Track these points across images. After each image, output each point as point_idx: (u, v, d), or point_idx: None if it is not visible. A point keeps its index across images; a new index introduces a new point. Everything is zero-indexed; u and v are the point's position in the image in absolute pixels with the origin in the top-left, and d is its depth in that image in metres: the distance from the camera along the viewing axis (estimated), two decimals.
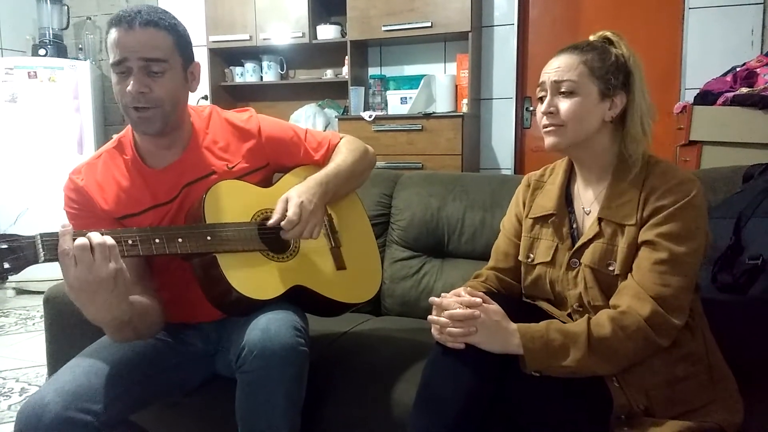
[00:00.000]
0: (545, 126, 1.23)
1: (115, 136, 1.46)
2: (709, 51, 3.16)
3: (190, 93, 1.40)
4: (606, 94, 1.19)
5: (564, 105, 1.20)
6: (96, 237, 1.09)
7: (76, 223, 1.37)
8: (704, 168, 2.22)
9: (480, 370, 1.11)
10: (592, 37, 1.26)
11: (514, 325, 1.13)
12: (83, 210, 1.38)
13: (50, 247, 1.07)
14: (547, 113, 1.22)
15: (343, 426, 1.43)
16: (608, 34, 1.24)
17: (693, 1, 3.19)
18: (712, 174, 1.67)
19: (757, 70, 2.55)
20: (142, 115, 1.30)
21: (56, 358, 1.73)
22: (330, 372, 1.48)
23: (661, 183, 1.16)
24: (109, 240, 1.10)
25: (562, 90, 1.20)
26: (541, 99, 1.25)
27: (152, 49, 1.27)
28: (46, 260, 1.07)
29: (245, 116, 1.51)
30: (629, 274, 1.16)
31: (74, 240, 1.07)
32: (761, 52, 2.90)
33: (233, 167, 1.43)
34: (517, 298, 1.36)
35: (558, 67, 1.21)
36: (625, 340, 1.10)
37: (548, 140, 1.24)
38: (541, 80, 1.25)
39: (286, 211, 1.33)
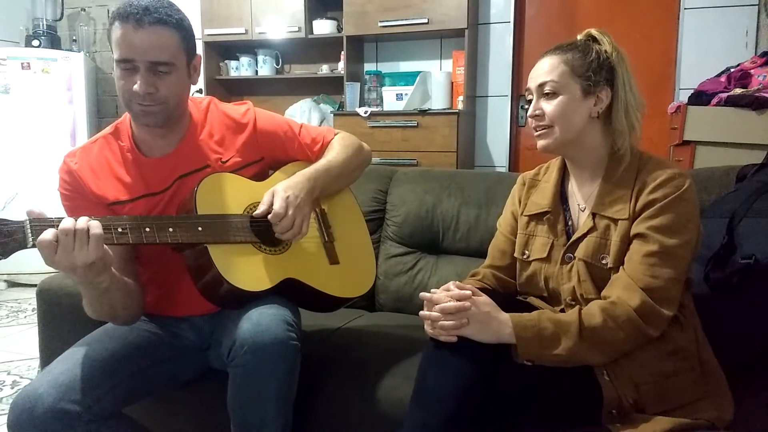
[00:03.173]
0: (534, 128, 1.27)
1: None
2: (703, 51, 3.17)
3: (191, 85, 1.40)
4: (589, 91, 1.22)
5: (549, 107, 1.23)
6: (80, 223, 1.10)
7: (68, 204, 1.38)
8: (698, 168, 2.24)
9: (474, 363, 1.12)
10: (579, 36, 1.28)
11: (505, 315, 1.14)
12: (75, 192, 1.38)
13: (39, 231, 1.08)
14: (533, 116, 1.26)
15: (336, 420, 1.43)
16: (592, 31, 1.27)
17: (688, 1, 3.20)
18: (706, 174, 1.68)
19: (751, 71, 2.56)
20: (145, 110, 1.30)
21: (49, 351, 1.73)
22: (324, 367, 1.48)
23: (653, 178, 1.18)
24: (94, 229, 1.10)
25: (546, 91, 1.24)
26: (530, 102, 1.28)
27: (160, 52, 1.26)
28: (34, 245, 1.08)
29: (243, 109, 1.51)
30: (621, 267, 1.17)
31: (56, 226, 1.08)
32: (755, 53, 2.91)
33: (227, 161, 1.43)
34: (509, 294, 1.37)
35: (541, 70, 1.25)
36: (615, 330, 1.11)
37: (539, 143, 1.27)
38: (527, 85, 1.28)
39: (273, 204, 1.33)
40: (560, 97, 1.22)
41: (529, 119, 1.28)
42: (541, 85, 1.24)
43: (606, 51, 1.24)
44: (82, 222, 1.10)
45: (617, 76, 1.23)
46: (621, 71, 1.23)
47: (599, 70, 1.22)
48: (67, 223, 1.09)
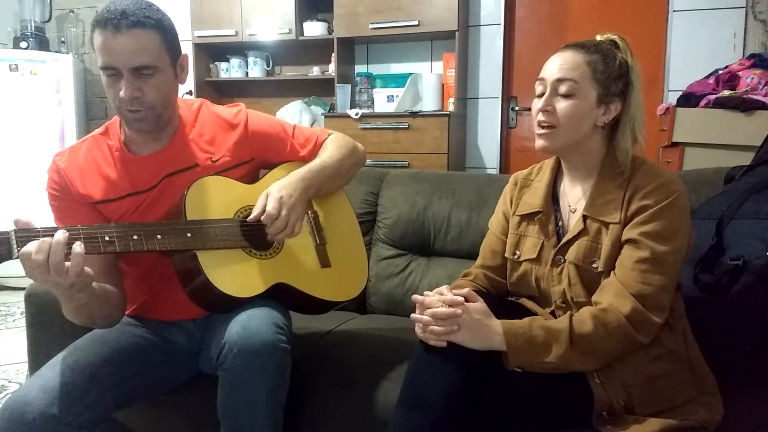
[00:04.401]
0: (539, 123, 1.22)
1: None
2: (692, 53, 3.19)
3: (179, 85, 1.39)
4: (603, 100, 1.20)
5: (561, 106, 1.20)
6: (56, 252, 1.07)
7: (55, 205, 1.38)
8: (686, 169, 2.25)
9: (463, 367, 1.12)
10: (599, 38, 1.25)
11: (497, 322, 1.14)
12: (62, 192, 1.37)
13: (24, 242, 1.06)
14: (543, 110, 1.21)
15: (327, 424, 1.42)
16: (615, 37, 1.23)
17: (677, 3, 3.22)
18: (695, 175, 1.69)
19: (739, 73, 2.58)
20: (136, 116, 1.29)
21: (37, 355, 1.71)
22: (314, 370, 1.47)
23: (646, 183, 1.17)
24: (76, 248, 1.09)
25: (562, 90, 1.20)
26: (540, 95, 1.24)
27: (141, 56, 1.24)
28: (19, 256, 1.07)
29: (234, 110, 1.50)
30: (612, 272, 1.17)
31: (41, 236, 1.07)
32: (743, 55, 2.94)
33: (217, 161, 1.42)
34: (501, 296, 1.37)
35: (562, 64, 1.20)
36: (606, 337, 1.11)
37: (539, 142, 1.24)
38: (542, 75, 1.23)
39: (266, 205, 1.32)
40: (575, 100, 1.19)
41: (536, 112, 1.23)
42: (559, 81, 1.19)
43: (627, 62, 1.21)
44: (61, 241, 1.08)
45: (632, 91, 1.20)
46: (636, 86, 1.21)
47: (617, 81, 1.19)
48: (44, 245, 1.06)
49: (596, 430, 1.12)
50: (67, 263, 1.08)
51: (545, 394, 1.15)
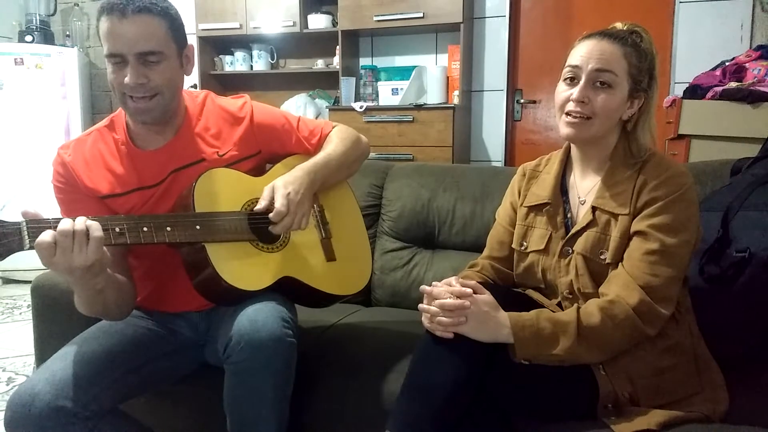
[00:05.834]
0: (573, 113, 1.19)
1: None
2: (698, 45, 3.18)
3: (185, 76, 1.39)
4: (631, 94, 1.19)
5: (600, 97, 1.17)
6: (79, 225, 1.08)
7: (61, 197, 1.38)
8: (693, 161, 2.24)
9: (468, 358, 1.12)
10: (619, 25, 1.23)
11: (504, 314, 1.13)
12: (68, 185, 1.37)
13: (36, 233, 1.06)
14: (579, 101, 1.18)
15: (332, 415, 1.43)
16: (639, 29, 1.21)
17: None
18: (701, 167, 1.69)
19: (746, 64, 2.57)
20: (139, 106, 1.29)
21: (44, 347, 1.72)
22: (319, 362, 1.48)
23: (655, 175, 1.17)
24: (94, 231, 1.09)
25: (602, 80, 1.17)
26: (570, 80, 1.21)
27: (147, 41, 1.25)
28: (31, 247, 1.07)
29: (239, 103, 1.50)
30: (620, 264, 1.17)
31: (54, 227, 1.07)
32: (750, 47, 2.92)
33: (224, 154, 1.43)
34: (507, 287, 1.37)
35: (602, 54, 1.17)
36: (613, 329, 1.11)
37: (569, 130, 1.21)
38: (574, 62, 1.20)
39: (273, 200, 1.32)
40: (613, 93, 1.17)
41: (564, 98, 1.20)
42: (599, 71, 1.16)
43: (653, 57, 1.20)
44: (81, 223, 1.09)
45: (655, 86, 1.20)
46: (657, 82, 1.20)
47: (645, 77, 1.19)
48: (66, 224, 1.07)
49: (601, 421, 1.12)
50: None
51: (551, 386, 1.15)
